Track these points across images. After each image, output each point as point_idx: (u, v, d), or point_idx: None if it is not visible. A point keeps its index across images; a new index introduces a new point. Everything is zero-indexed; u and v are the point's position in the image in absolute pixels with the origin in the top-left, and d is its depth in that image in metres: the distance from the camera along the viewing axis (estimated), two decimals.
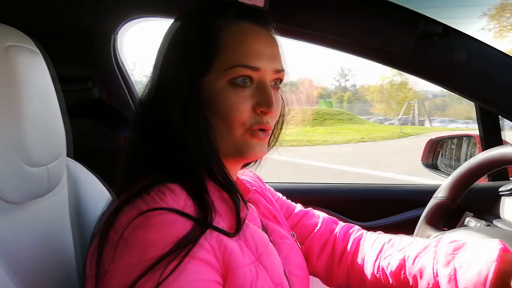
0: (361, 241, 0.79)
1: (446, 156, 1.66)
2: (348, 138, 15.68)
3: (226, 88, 0.59)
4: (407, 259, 0.67)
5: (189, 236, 0.50)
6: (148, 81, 0.63)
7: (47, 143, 0.61)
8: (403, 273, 0.67)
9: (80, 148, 0.81)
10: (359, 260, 0.76)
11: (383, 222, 1.27)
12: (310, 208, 0.88)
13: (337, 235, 0.82)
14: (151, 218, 0.50)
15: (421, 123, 26.37)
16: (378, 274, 0.72)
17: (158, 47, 0.64)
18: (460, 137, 1.63)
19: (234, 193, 0.61)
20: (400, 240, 0.73)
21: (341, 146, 13.62)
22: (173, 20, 0.64)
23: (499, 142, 1.26)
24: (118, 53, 1.24)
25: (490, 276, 0.55)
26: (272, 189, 0.88)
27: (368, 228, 0.84)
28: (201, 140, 0.59)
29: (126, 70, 1.27)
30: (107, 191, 0.79)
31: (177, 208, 0.51)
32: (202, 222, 0.52)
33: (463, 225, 0.97)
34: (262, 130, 0.62)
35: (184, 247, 0.49)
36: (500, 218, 1.08)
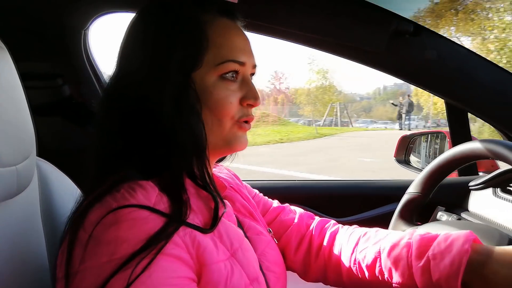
0: (337, 235, 0.80)
1: (418, 152, 1.70)
2: (268, 139, 15.93)
3: (217, 82, 0.61)
4: (382, 252, 0.69)
5: (161, 233, 0.49)
6: (115, 74, 0.62)
7: (15, 142, 0.59)
8: (379, 266, 0.68)
9: (51, 147, 0.78)
10: (335, 254, 0.77)
11: (358, 217, 1.29)
12: (286, 204, 0.89)
13: (314, 230, 0.82)
14: (122, 216, 0.49)
15: (345, 124, 27.87)
16: (355, 267, 0.73)
17: (127, 39, 0.63)
18: (430, 134, 1.68)
19: (213, 191, 0.61)
20: (375, 233, 0.75)
21: (259, 147, 13.75)
22: (141, 12, 0.64)
23: (467, 137, 1.30)
24: (89, 48, 1.20)
25: (463, 267, 0.57)
26: (249, 186, 0.88)
27: (344, 223, 0.85)
28: (194, 134, 0.59)
29: (97, 66, 1.23)
30: (79, 190, 0.77)
31: (149, 205, 0.51)
32: (176, 219, 0.52)
33: (435, 219, 1.00)
34: (246, 122, 0.66)
35: (156, 244, 0.48)
36: (469, 211, 1.12)
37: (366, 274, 0.71)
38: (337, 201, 1.32)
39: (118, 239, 0.48)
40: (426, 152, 1.69)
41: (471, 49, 1.06)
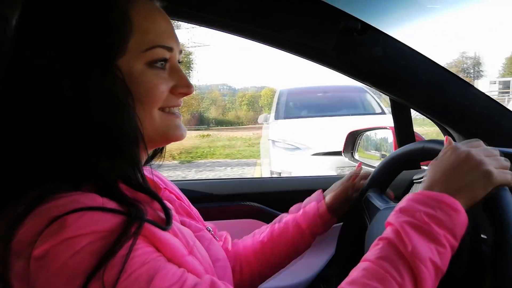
0: (241, 243, 0.95)
1: (365, 148, 1.76)
2: None
3: (145, 70, 0.56)
4: (274, 224, 0.94)
5: (123, 234, 0.44)
6: (14, 67, 0.53)
7: None
8: (274, 233, 0.91)
9: None
10: (242, 250, 0.91)
11: None
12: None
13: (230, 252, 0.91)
14: (70, 223, 0.42)
15: None
16: (257, 251, 0.90)
17: (27, 23, 0.54)
18: (376, 129, 1.74)
19: (153, 192, 0.57)
20: (265, 225, 0.97)
21: None
22: None
23: (410, 133, 1.36)
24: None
25: (322, 201, 0.92)
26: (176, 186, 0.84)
27: None
28: (129, 131, 0.53)
29: None
30: None
31: (98, 205, 0.45)
32: (135, 216, 0.47)
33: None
34: (175, 108, 0.61)
35: (121, 244, 0.43)
36: None
37: (267, 248, 0.90)
38: (290, 196, 1.32)
39: (72, 248, 0.42)
40: (372, 147, 1.75)
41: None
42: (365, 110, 6.24)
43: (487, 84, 29.73)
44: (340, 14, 1.01)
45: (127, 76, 0.54)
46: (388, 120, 5.56)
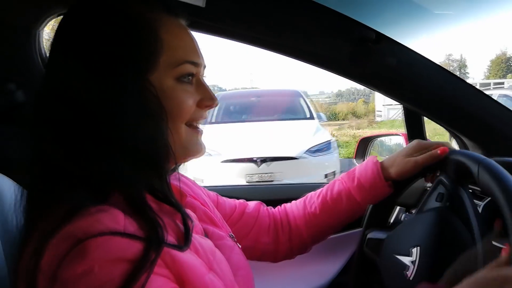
0: (287, 207, 0.99)
1: (379, 154, 1.77)
2: None
3: (175, 85, 0.58)
4: (326, 195, 0.93)
5: (143, 261, 0.45)
6: (51, 82, 0.55)
7: None
8: (327, 205, 0.92)
9: (6, 158, 0.72)
10: (292, 221, 0.94)
11: None
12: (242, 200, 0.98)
13: (269, 210, 0.97)
14: (92, 248, 0.43)
15: None
16: (309, 222, 0.92)
17: (64, 41, 0.56)
18: (388, 135, 1.75)
19: (179, 206, 0.58)
20: (313, 193, 0.97)
21: None
22: (77, 12, 0.57)
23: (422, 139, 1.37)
24: (43, 50, 1.13)
25: (378, 169, 0.90)
26: (205, 189, 0.86)
27: None
28: (161, 144, 0.55)
29: None
30: None
31: (119, 229, 0.45)
32: (155, 241, 0.48)
33: (398, 220, 1.03)
34: (197, 125, 0.63)
35: (140, 275, 0.44)
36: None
37: (320, 219, 0.92)
38: None
39: (94, 277, 0.42)
40: (384, 154, 1.75)
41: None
42: (294, 115, 6.04)
43: None
44: (355, 25, 1.03)
45: (159, 91, 0.56)
46: (314, 124, 5.47)
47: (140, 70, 0.55)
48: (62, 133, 0.53)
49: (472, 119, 1.16)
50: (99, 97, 0.53)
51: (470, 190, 1.03)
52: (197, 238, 0.60)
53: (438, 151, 0.84)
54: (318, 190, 0.97)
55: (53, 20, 1.10)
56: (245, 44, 1.11)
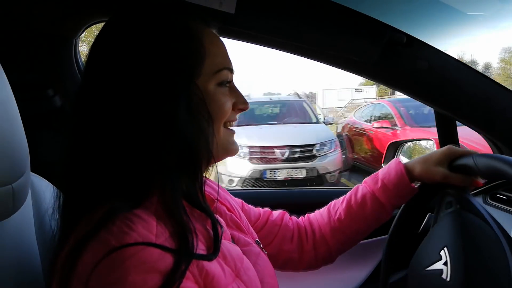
0: (310, 216, 0.98)
1: (408, 158, 1.73)
2: None
3: (216, 90, 0.62)
4: (350, 199, 0.92)
5: (174, 273, 0.46)
6: (91, 86, 0.57)
7: (10, 159, 0.56)
8: (352, 210, 0.90)
9: (44, 161, 0.75)
10: (317, 229, 0.93)
11: None
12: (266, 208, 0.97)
13: (293, 219, 0.97)
14: (126, 257, 0.44)
15: None
16: (335, 228, 0.90)
17: (109, 46, 0.58)
18: (419, 140, 1.71)
19: (211, 212, 0.59)
20: (336, 200, 0.96)
21: None
22: (123, 20, 0.60)
23: (456, 145, 1.33)
24: (80, 58, 1.18)
25: (403, 169, 0.88)
26: (231, 194, 0.87)
27: None
28: (207, 145, 0.58)
29: None
30: None
31: (152, 238, 0.46)
32: (185, 253, 0.48)
33: (427, 225, 1.01)
34: (233, 123, 0.68)
35: (170, 286, 0.45)
36: None
37: (345, 223, 0.90)
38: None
39: (125, 286, 0.43)
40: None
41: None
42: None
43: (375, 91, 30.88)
44: (385, 28, 1.01)
45: (203, 95, 0.60)
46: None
47: (189, 76, 0.58)
48: (104, 137, 0.55)
49: (508, 124, 1.12)
50: (147, 101, 0.55)
51: (505, 197, 1.00)
52: (226, 244, 0.61)
53: (477, 182, 0.84)
54: (342, 197, 0.96)
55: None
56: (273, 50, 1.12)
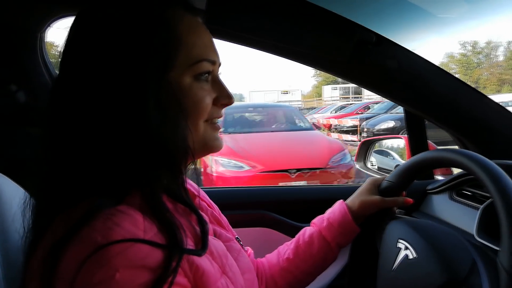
0: (266, 258, 0.95)
1: (378, 156, 1.76)
2: None
3: (192, 83, 0.57)
4: (298, 239, 0.92)
5: (165, 270, 0.44)
6: (67, 80, 0.54)
7: None
8: (300, 249, 0.90)
9: (6, 157, 0.73)
10: (268, 271, 0.91)
11: None
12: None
13: (255, 260, 0.93)
14: (114, 255, 0.42)
15: None
16: (283, 269, 0.89)
17: (79, 40, 0.55)
18: (390, 138, 1.74)
19: (195, 207, 0.57)
20: (287, 242, 0.95)
21: None
22: (94, 11, 0.56)
23: (424, 143, 1.36)
24: (45, 52, 1.14)
25: (346, 211, 0.90)
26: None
27: None
28: (180, 141, 0.54)
29: (54, 71, 1.17)
30: None
31: (140, 234, 0.45)
32: (176, 249, 0.47)
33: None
34: (215, 121, 0.63)
35: (162, 283, 0.43)
36: (427, 214, 1.17)
37: (293, 265, 0.89)
38: (308, 206, 1.33)
39: (114, 285, 0.41)
40: (385, 157, 1.75)
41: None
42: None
43: (329, 90, 33.55)
44: (356, 27, 1.03)
45: (177, 89, 0.56)
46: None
47: (159, 68, 0.54)
48: (78, 133, 0.52)
49: (473, 121, 1.16)
50: (118, 96, 0.52)
51: (470, 193, 1.03)
52: (211, 239, 0.60)
53: (405, 201, 0.94)
54: (291, 240, 0.95)
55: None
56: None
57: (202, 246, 0.54)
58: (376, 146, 1.73)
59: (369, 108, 15.03)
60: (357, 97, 27.27)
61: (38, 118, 1.09)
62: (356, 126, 12.19)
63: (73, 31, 0.56)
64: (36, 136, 1.08)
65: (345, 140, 11.05)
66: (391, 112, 11.65)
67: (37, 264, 0.46)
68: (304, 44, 1.04)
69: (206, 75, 0.60)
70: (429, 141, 1.38)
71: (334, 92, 32.42)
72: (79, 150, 0.52)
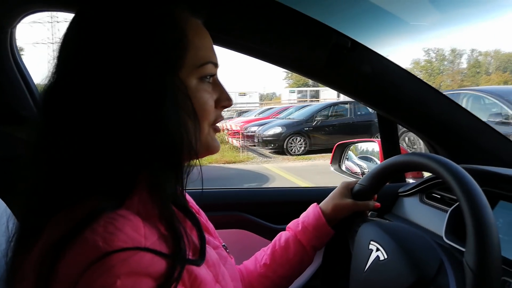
0: (244, 265, 0.95)
1: (353, 159, 1.79)
2: None
3: (198, 85, 0.57)
4: (275, 245, 0.93)
5: (168, 278, 0.44)
6: (66, 81, 0.52)
7: None
8: (276, 254, 0.91)
9: None
10: (245, 276, 0.91)
11: None
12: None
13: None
14: (116, 264, 0.41)
15: None
16: (261, 274, 0.90)
17: (82, 37, 0.53)
18: (364, 142, 1.78)
19: (195, 215, 0.57)
20: (263, 248, 0.96)
21: None
22: (98, 8, 0.54)
23: (396, 146, 1.40)
24: (16, 48, 1.11)
25: (320, 214, 0.93)
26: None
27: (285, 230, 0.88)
28: (187, 144, 0.53)
29: (25, 68, 1.14)
30: (6, 207, 0.69)
31: (141, 240, 0.44)
32: (179, 258, 0.47)
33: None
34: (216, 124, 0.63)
35: None
36: (398, 216, 1.20)
37: (270, 270, 0.90)
38: (282, 207, 1.34)
39: None
40: (360, 159, 1.79)
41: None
42: None
43: (287, 93, 34.94)
44: (331, 32, 1.05)
45: (182, 91, 0.55)
46: None
47: (170, 68, 0.53)
48: (85, 132, 0.50)
49: (442, 125, 1.20)
50: (132, 94, 0.50)
51: (439, 196, 1.06)
52: (207, 251, 0.58)
53: (375, 206, 0.98)
54: (268, 245, 0.97)
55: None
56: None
57: (200, 256, 0.53)
58: (352, 149, 1.77)
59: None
60: (313, 101, 27.91)
61: (5, 115, 1.05)
62: (238, 132, 12.42)
63: (80, 29, 0.55)
64: (4, 133, 1.05)
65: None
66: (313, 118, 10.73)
67: (31, 265, 0.45)
68: (282, 48, 1.06)
69: (209, 77, 0.60)
70: (401, 145, 1.42)
71: (291, 95, 33.37)
72: (84, 149, 0.50)
